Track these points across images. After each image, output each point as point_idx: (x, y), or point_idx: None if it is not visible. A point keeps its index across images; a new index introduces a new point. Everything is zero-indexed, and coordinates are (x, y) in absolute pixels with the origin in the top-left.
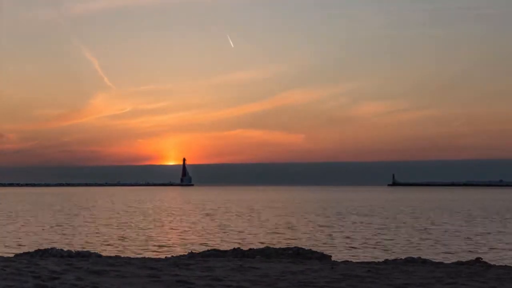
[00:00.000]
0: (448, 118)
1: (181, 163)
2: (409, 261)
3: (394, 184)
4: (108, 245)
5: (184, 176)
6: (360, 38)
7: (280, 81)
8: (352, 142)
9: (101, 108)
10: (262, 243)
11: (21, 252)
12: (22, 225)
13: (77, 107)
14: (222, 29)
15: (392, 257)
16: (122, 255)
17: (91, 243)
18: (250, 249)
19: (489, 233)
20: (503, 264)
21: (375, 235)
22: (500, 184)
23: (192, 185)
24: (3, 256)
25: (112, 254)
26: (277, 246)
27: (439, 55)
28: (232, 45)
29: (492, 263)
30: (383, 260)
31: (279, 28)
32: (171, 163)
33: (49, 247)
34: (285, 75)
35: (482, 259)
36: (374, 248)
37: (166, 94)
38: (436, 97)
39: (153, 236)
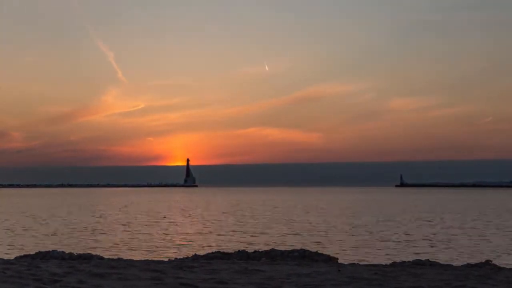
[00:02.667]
0: (476, 115)
1: (188, 163)
2: (417, 263)
3: (402, 185)
4: (110, 247)
5: (188, 176)
6: (386, 31)
7: (299, 76)
8: (368, 142)
9: (112, 105)
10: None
11: (22, 254)
12: (23, 227)
13: (87, 103)
14: (240, 21)
15: (400, 260)
16: (125, 258)
17: (93, 245)
18: (255, 251)
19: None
20: None
21: (384, 236)
22: (511, 185)
23: (196, 186)
24: (3, 259)
25: (115, 257)
26: (283, 248)
27: (476, 47)
28: (267, 69)
29: (503, 265)
30: (390, 262)
31: (300, 19)
32: (179, 163)
33: (50, 250)
34: (305, 69)
35: (492, 261)
36: (382, 250)
37: (181, 89)
38: (467, 94)
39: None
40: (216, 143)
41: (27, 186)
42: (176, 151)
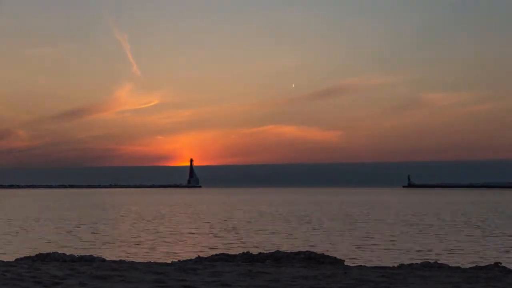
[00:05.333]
0: (502, 112)
1: (199, 163)
2: (425, 265)
3: (410, 185)
4: (112, 248)
5: (191, 177)
6: (418, 24)
7: (320, 70)
8: (382, 142)
9: (125, 101)
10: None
11: (22, 256)
12: (23, 228)
13: (99, 99)
14: (260, 13)
15: (408, 262)
16: (127, 260)
17: (94, 246)
18: (259, 253)
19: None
20: None
21: (389, 238)
22: None
23: (200, 186)
24: (3, 261)
25: (117, 259)
26: (288, 250)
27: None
28: (293, 86)
29: None
30: (398, 264)
31: (320, 12)
32: (187, 163)
33: (51, 251)
34: (326, 63)
35: (501, 263)
36: (389, 252)
37: (195, 84)
38: (500, 89)
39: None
40: (229, 142)
41: (27, 187)
42: (186, 151)
